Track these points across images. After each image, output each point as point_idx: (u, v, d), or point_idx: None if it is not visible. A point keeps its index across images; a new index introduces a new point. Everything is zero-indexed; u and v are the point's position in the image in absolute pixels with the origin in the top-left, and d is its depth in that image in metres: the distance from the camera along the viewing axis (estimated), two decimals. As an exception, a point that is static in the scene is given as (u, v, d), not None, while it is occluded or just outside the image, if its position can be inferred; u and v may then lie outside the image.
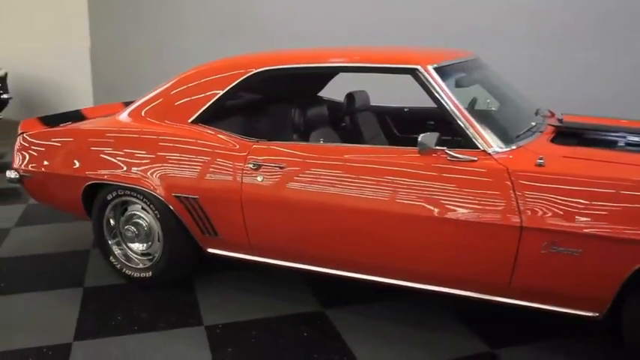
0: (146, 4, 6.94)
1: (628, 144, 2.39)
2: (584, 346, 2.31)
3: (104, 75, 7.31)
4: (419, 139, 2.08)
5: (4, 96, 6.55)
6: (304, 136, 2.78)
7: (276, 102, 3.16)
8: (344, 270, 2.40)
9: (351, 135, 3.15)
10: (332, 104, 3.45)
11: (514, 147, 2.16)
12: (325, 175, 2.29)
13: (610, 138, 2.43)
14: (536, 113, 2.72)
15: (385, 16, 5.31)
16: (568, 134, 2.45)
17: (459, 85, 2.59)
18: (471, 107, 2.49)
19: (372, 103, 3.35)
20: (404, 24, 5.02)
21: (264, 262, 2.59)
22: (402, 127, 3.60)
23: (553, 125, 2.50)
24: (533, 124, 2.42)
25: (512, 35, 4.75)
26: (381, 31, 5.02)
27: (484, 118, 2.26)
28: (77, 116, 3.43)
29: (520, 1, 4.62)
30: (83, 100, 7.03)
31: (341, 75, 2.99)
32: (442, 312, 2.57)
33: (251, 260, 2.62)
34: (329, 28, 5.38)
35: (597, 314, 2.05)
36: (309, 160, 2.34)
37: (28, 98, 7.18)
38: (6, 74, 6.67)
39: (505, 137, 2.19)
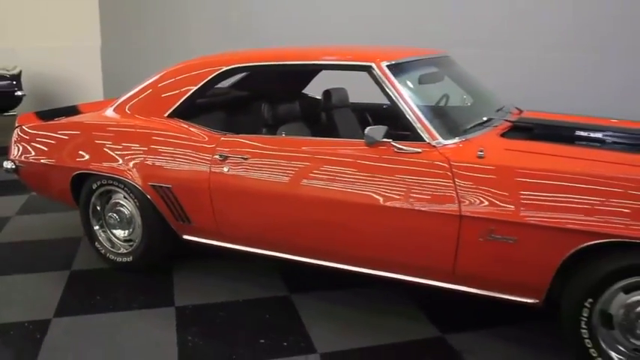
0: (153, 6, 7.18)
1: (581, 139, 2.46)
2: (526, 333, 2.39)
3: (114, 72, 7.58)
4: (365, 132, 2.21)
5: (19, 93, 6.85)
6: (273, 131, 2.92)
7: (252, 99, 3.31)
8: (302, 256, 2.55)
9: (327, 131, 3.28)
10: (314, 101, 3.58)
11: (459, 140, 2.26)
12: (282, 165, 2.44)
13: (564, 133, 2.50)
14: (500, 109, 2.82)
15: (389, 18, 5.42)
16: (522, 129, 2.54)
17: (422, 81, 2.73)
18: (443, 103, 2.62)
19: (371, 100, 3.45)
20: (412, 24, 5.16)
21: (233, 249, 2.74)
22: (381, 123, 3.71)
23: (508, 121, 2.59)
24: (485, 119, 2.51)
25: (515, 37, 4.83)
26: (385, 34, 5.14)
27: (434, 112, 2.38)
28: (73, 111, 3.64)
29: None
30: (94, 97, 7.29)
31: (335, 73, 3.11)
32: (402, 299, 2.68)
33: (221, 247, 2.78)
34: (330, 29, 5.52)
35: (537, 301, 2.15)
36: (268, 151, 2.49)
37: (41, 95, 7.48)
38: (20, 72, 6.97)
39: (451, 131, 2.30)
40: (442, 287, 2.30)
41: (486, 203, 2.06)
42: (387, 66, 2.41)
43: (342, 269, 2.46)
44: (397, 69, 2.44)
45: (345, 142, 2.39)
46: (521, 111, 2.97)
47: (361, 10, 5.97)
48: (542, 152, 2.17)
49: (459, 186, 2.11)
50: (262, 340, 2.37)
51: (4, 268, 3.08)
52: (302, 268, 2.60)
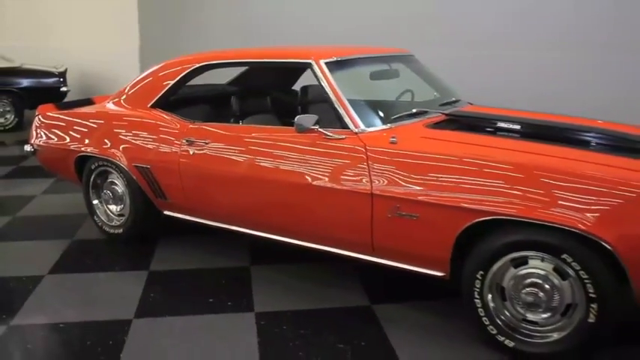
0: (188, 10, 7.74)
1: (502, 130, 2.66)
2: (449, 307, 2.60)
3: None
4: (295, 120, 2.52)
5: (64, 88, 7.62)
6: (240, 121, 3.28)
7: (230, 93, 3.67)
8: (252, 230, 2.89)
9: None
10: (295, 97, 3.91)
11: (380, 128, 2.54)
12: (232, 149, 2.80)
13: (486, 125, 2.70)
14: (449, 103, 3.06)
15: (392, 20, 5.68)
16: (453, 121, 2.76)
17: (373, 77, 3.03)
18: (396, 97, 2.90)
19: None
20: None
21: (203, 223, 3.12)
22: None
23: (444, 113, 2.82)
24: (414, 110, 2.76)
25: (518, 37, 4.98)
26: (389, 36, 5.41)
27: (362, 104, 2.65)
28: (88, 103, 4.15)
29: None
30: (131, 93, 7.97)
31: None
32: (348, 274, 2.96)
33: (193, 221, 3.17)
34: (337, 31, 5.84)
35: (444, 274, 2.39)
36: (224, 137, 2.86)
37: (84, 91, 8.23)
38: (66, 69, 7.74)
39: (375, 120, 2.58)
40: (367, 260, 2.57)
41: (393, 183, 2.33)
42: (326, 63, 2.71)
43: (284, 242, 2.79)
44: (336, 66, 2.73)
45: (284, 130, 2.71)
46: (471, 104, 3.19)
47: (371, 10, 6.24)
48: (451, 140, 2.41)
49: (372, 168, 2.38)
50: (211, 300, 2.73)
51: (16, 235, 3.64)
52: (267, 243, 2.93)
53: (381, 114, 2.67)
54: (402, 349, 2.29)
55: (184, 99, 3.61)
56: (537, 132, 2.56)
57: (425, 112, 2.81)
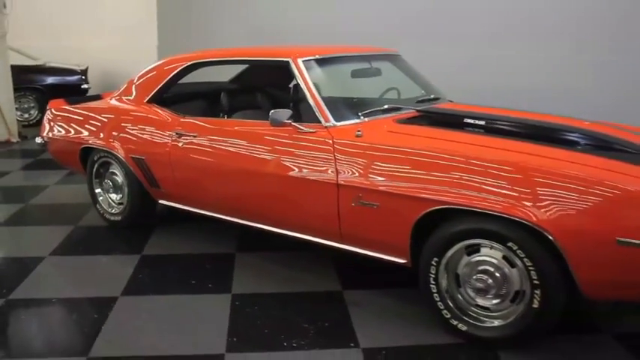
0: (204, 9, 8.00)
1: (469, 126, 2.76)
2: (416, 294, 2.71)
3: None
4: (270, 115, 2.69)
5: (85, 86, 7.97)
6: (229, 116, 3.46)
7: (223, 89, 3.85)
8: (237, 218, 3.07)
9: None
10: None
11: (350, 122, 2.68)
12: (217, 141, 2.99)
13: (455, 121, 2.79)
14: (424, 100, 3.18)
15: (400, 19, 5.78)
16: (425, 117, 2.88)
17: (354, 75, 3.18)
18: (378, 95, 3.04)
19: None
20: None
21: (194, 212, 3.32)
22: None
23: (416, 109, 2.95)
24: (386, 106, 2.89)
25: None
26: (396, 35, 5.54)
27: (335, 100, 2.80)
28: (97, 99, 4.41)
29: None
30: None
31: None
32: (325, 261, 3.11)
33: (186, 210, 3.37)
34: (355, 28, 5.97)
35: (405, 261, 2.51)
36: (209, 130, 3.05)
37: (105, 88, 8.57)
38: (87, 67, 8.10)
39: (345, 115, 2.72)
40: (337, 247, 2.72)
41: (356, 174, 2.47)
42: (303, 61, 2.86)
43: (265, 230, 2.96)
44: (313, 64, 2.89)
45: (262, 124, 2.88)
46: (452, 102, 3.30)
47: (377, 9, 6.34)
48: (413, 134, 2.54)
49: (338, 159, 2.53)
50: (193, 282, 2.93)
51: (25, 221, 3.94)
52: (254, 231, 3.07)
53: (354, 109, 2.81)
54: (362, 330, 2.44)
55: (183, 95, 3.82)
56: (501, 128, 2.66)
57: (399, 109, 2.94)
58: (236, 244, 3.42)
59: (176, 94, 3.80)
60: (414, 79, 3.56)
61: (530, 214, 2.06)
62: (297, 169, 2.66)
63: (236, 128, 2.97)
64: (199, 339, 2.38)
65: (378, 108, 2.86)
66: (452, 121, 2.79)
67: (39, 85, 7.76)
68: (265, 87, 4.04)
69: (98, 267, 3.15)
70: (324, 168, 2.57)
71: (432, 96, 3.29)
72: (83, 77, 8.03)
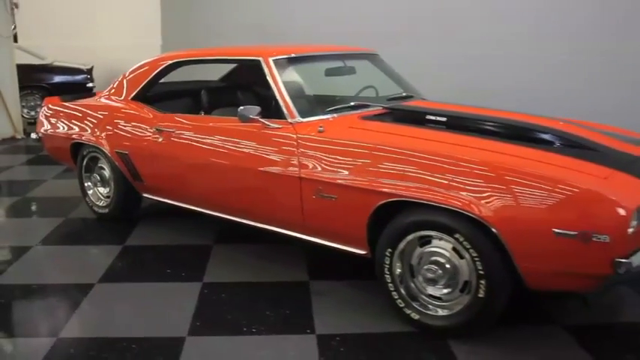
0: (207, 10, 8.17)
1: (430, 122, 2.84)
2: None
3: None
4: (238, 111, 2.80)
5: (90, 84, 8.19)
6: (208, 113, 3.58)
7: (206, 87, 3.96)
8: (213, 211, 3.19)
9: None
10: None
11: (315, 118, 2.78)
12: (192, 137, 3.12)
13: (417, 117, 2.88)
14: (395, 98, 3.28)
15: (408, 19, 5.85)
16: (391, 113, 2.97)
17: (328, 74, 3.29)
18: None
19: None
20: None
21: (176, 205, 3.45)
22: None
23: (383, 106, 3.04)
24: (352, 103, 2.99)
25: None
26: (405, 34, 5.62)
27: (302, 97, 2.90)
28: (91, 97, 4.57)
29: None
30: (153, 89, 8.49)
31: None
32: (296, 253, 3.22)
33: (168, 203, 3.50)
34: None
35: (365, 252, 2.61)
36: (185, 126, 3.18)
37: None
38: (92, 67, 8.31)
39: (311, 111, 2.83)
40: (304, 239, 2.82)
41: (316, 168, 2.57)
42: (274, 60, 2.97)
43: (239, 222, 3.07)
44: (283, 63, 2.99)
45: (233, 120, 2.99)
46: (424, 99, 3.39)
47: (392, 8, 6.37)
48: (372, 129, 2.64)
49: (300, 154, 2.64)
50: (168, 271, 3.06)
51: (19, 212, 4.14)
52: (233, 224, 3.17)
53: (322, 107, 2.92)
54: (320, 318, 2.53)
55: (171, 93, 3.96)
56: (461, 125, 2.73)
57: (367, 105, 3.04)
58: (215, 236, 3.55)
59: (165, 92, 3.94)
60: (392, 77, 3.66)
61: (474, 207, 2.14)
62: (263, 164, 2.77)
63: (210, 124, 3.09)
64: (165, 323, 2.51)
65: (345, 105, 2.96)
66: (415, 117, 2.88)
67: (45, 84, 7.99)
68: (249, 85, 4.15)
69: (81, 256, 3.30)
70: (288, 162, 2.68)
71: (405, 94, 3.38)
72: (88, 76, 8.25)
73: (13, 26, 7.72)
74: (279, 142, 2.74)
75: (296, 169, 2.64)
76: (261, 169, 2.78)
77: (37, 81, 7.93)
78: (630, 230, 2.03)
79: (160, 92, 3.93)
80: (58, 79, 8.07)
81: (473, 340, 2.35)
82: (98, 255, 3.31)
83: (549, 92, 5.18)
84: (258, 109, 2.81)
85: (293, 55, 3.09)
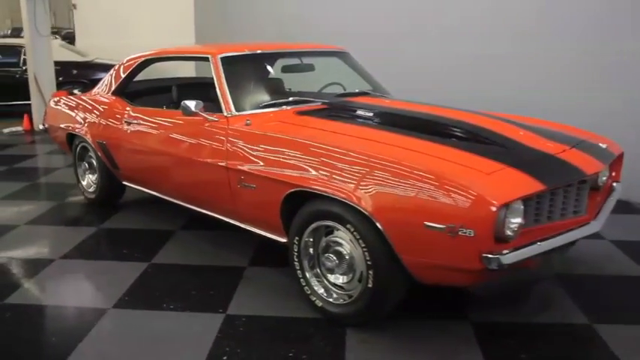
0: (235, 8, 8.49)
1: (360, 117, 2.91)
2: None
3: (205, 68, 9.12)
4: (181, 104, 2.99)
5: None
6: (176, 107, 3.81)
7: (181, 83, 4.19)
8: (172, 198, 3.42)
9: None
10: None
11: (249, 112, 2.93)
12: (149, 127, 3.36)
13: (348, 114, 2.95)
14: (347, 94, 3.37)
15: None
16: (327, 109, 3.05)
17: (285, 70, 3.44)
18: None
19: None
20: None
21: (148, 192, 3.72)
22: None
23: (322, 102, 3.13)
24: (291, 99, 3.11)
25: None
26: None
27: (242, 93, 3.05)
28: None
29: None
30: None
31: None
32: (246, 240, 3.37)
33: (143, 190, 3.78)
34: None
35: (285, 240, 2.73)
36: (146, 119, 3.43)
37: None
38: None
39: (246, 106, 2.97)
40: (240, 226, 2.98)
41: (239, 158, 2.72)
42: (222, 58, 3.14)
43: (191, 209, 3.29)
44: (231, 60, 3.16)
45: (179, 113, 3.19)
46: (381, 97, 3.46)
47: (402, 6, 6.36)
48: (293, 123, 2.75)
49: (228, 145, 2.80)
50: (125, 251, 3.33)
51: (20, 196, 4.56)
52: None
53: (259, 101, 3.06)
54: (237, 300, 2.70)
55: (154, 89, 4.25)
56: (386, 120, 2.79)
57: (309, 101, 3.15)
58: (183, 222, 3.78)
59: (152, 88, 4.24)
60: (361, 75, 3.74)
61: (353, 196, 2.21)
62: (200, 154, 2.96)
63: (166, 118, 3.32)
64: (96, 296, 2.78)
65: (284, 100, 3.09)
66: (346, 113, 2.96)
67: (87, 80, 8.62)
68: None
69: (58, 235, 3.65)
70: (220, 153, 2.84)
71: (357, 90, 3.46)
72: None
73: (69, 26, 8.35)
74: (213, 135, 2.91)
75: (224, 159, 2.80)
76: (199, 159, 2.97)
77: (78, 77, 8.57)
78: (512, 226, 2.04)
79: (148, 88, 4.23)
80: (97, 75, 8.68)
81: (370, 330, 2.42)
82: (72, 235, 3.62)
83: (554, 93, 5.00)
84: (200, 103, 3.00)
85: (243, 52, 3.25)
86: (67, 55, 8.81)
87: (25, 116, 7.44)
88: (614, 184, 2.91)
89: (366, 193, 2.19)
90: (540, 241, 2.17)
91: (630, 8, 4.41)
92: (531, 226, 2.24)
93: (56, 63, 8.10)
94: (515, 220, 2.06)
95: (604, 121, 4.27)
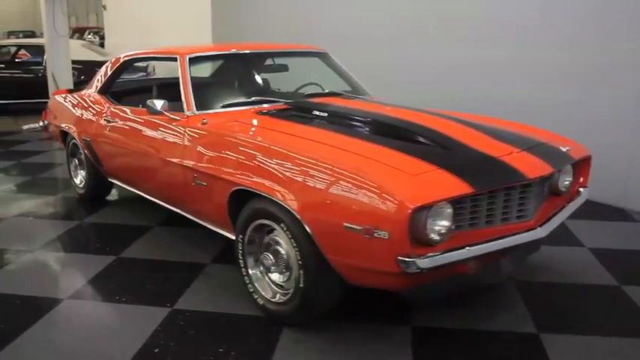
0: (256, 9, 8.62)
1: (317, 118, 2.91)
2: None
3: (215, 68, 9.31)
4: (146, 103, 3.07)
5: (144, 80, 9.00)
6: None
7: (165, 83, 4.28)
8: (143, 193, 3.53)
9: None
10: None
11: (209, 112, 2.98)
12: (123, 125, 3.48)
13: (309, 114, 2.96)
14: (317, 94, 3.38)
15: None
16: (288, 110, 3.07)
17: (259, 70, 3.48)
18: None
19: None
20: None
21: (129, 189, 3.83)
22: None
23: (284, 102, 3.15)
24: (254, 98, 3.14)
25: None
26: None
27: (205, 93, 3.11)
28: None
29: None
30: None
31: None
32: (214, 238, 3.37)
33: (126, 187, 3.90)
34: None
35: (235, 237, 2.77)
36: (121, 117, 3.54)
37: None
38: (148, 64, 9.13)
39: (207, 105, 3.03)
40: (198, 222, 3.05)
41: (193, 157, 2.78)
42: (190, 58, 3.21)
43: (161, 205, 3.38)
44: (201, 61, 3.23)
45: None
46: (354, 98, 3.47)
47: (405, 6, 6.32)
48: (247, 123, 2.79)
49: (185, 144, 2.86)
50: (98, 245, 3.47)
51: (17, 190, 4.76)
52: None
53: (222, 101, 3.12)
54: (188, 295, 2.75)
55: (141, 88, 4.37)
56: (338, 121, 2.79)
57: (272, 101, 3.18)
58: (161, 219, 3.87)
59: (139, 88, 4.37)
60: (340, 75, 3.75)
61: (285, 197, 2.22)
62: (165, 152, 3.04)
63: (137, 116, 3.42)
64: (54, 285, 2.90)
65: (245, 100, 3.13)
66: (304, 113, 2.97)
67: (106, 79, 8.91)
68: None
69: (40, 228, 3.80)
70: (177, 151, 2.91)
71: (327, 90, 3.46)
72: (144, 73, 9.07)
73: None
74: (175, 132, 2.98)
75: (181, 158, 2.87)
76: (163, 157, 3.04)
77: (98, 76, 8.87)
78: (437, 229, 2.01)
79: (137, 88, 4.36)
80: (116, 74, 8.96)
81: (307, 330, 2.42)
82: (54, 228, 3.78)
83: (555, 95, 4.86)
84: (164, 102, 3.07)
85: (212, 53, 3.32)
86: (88, 54, 9.14)
87: (43, 114, 7.75)
88: (581, 189, 2.82)
89: (293, 192, 2.21)
90: (470, 245, 2.12)
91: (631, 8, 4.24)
92: (466, 230, 2.20)
93: (79, 62, 8.42)
94: (442, 223, 2.03)
95: (604, 123, 4.15)
